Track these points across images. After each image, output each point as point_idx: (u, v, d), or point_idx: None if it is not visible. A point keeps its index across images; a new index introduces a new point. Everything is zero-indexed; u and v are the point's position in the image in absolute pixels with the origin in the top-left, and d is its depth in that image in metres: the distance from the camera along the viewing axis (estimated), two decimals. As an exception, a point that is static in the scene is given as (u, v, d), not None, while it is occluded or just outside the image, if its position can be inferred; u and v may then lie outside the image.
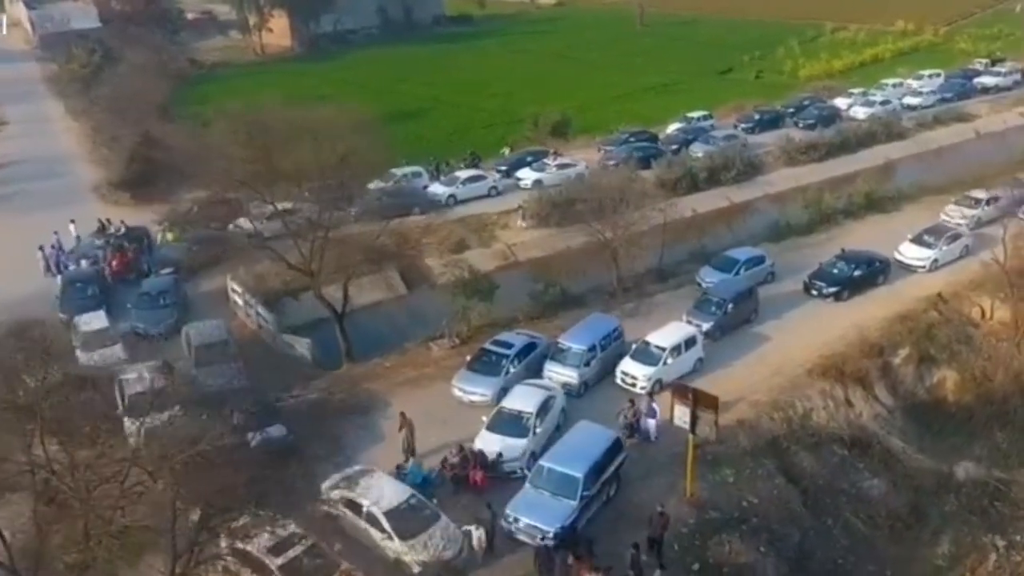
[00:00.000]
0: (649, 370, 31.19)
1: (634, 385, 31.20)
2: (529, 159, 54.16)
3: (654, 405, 28.28)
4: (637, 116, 68.82)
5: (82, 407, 25.88)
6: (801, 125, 61.53)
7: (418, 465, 26.65)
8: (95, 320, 33.50)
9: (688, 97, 78.17)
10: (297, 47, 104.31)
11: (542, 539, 23.27)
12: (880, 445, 30.78)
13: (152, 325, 34.97)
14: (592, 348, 31.73)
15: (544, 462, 25.08)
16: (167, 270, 39.77)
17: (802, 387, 32.07)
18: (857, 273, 38.71)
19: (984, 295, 38.40)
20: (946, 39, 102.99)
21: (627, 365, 31.65)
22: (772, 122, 62.05)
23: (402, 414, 28.13)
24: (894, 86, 69.39)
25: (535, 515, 23.72)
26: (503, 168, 53.50)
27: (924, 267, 40.61)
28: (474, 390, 30.29)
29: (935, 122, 63.50)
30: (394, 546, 22.90)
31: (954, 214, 45.31)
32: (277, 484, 23.49)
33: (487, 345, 32.05)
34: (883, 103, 64.40)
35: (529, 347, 32.26)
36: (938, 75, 72.41)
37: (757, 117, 62.01)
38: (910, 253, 41.01)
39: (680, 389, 25.49)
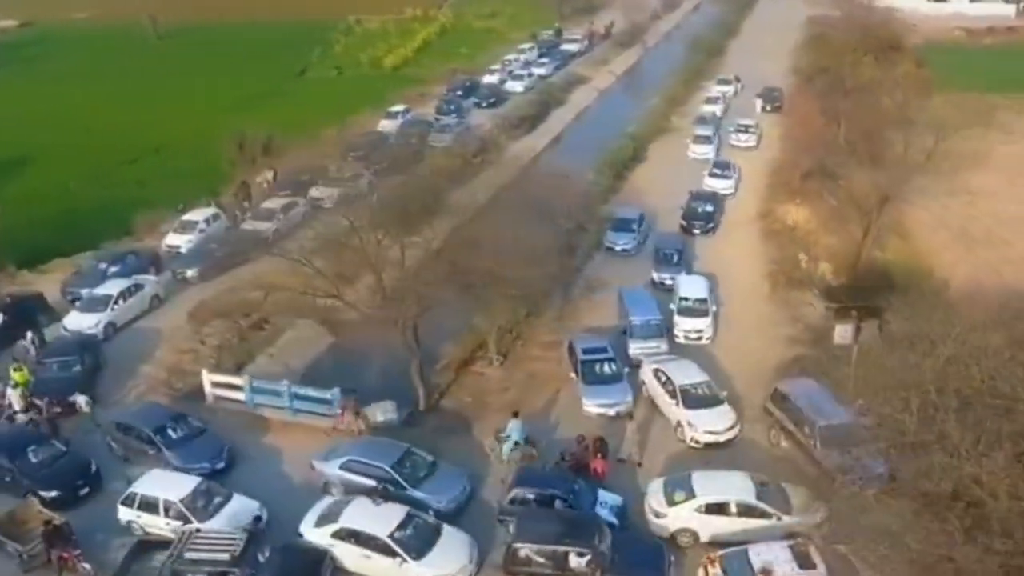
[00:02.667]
0: (706, 320, 34.25)
1: (699, 338, 33.93)
2: (304, 178, 50.43)
3: None
4: (285, 123, 65.41)
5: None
6: (484, 105, 66.32)
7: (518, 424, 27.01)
8: (172, 482, 24.61)
9: (302, 101, 77.92)
10: None
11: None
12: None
13: (202, 462, 26.74)
14: (661, 317, 33.58)
15: None
16: (83, 398, 29.95)
17: (783, 299, 37.95)
18: (714, 209, 45.59)
19: (783, 204, 48.15)
20: (457, 20, 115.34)
21: (685, 323, 34.09)
22: (458, 107, 65.63)
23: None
24: (514, 60, 77.73)
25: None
26: (286, 193, 48.94)
27: (732, 193, 49.16)
28: (615, 401, 29.31)
29: (568, 86, 73.50)
30: None
31: (698, 151, 54.79)
32: None
33: (586, 357, 30.76)
34: (529, 76, 72.23)
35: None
36: (532, 48, 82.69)
37: (451, 107, 64.90)
38: (717, 185, 49.20)
39: (842, 310, 29.41)
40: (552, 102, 67.84)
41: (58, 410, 28.62)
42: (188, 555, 21.37)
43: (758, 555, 21.10)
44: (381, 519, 22.67)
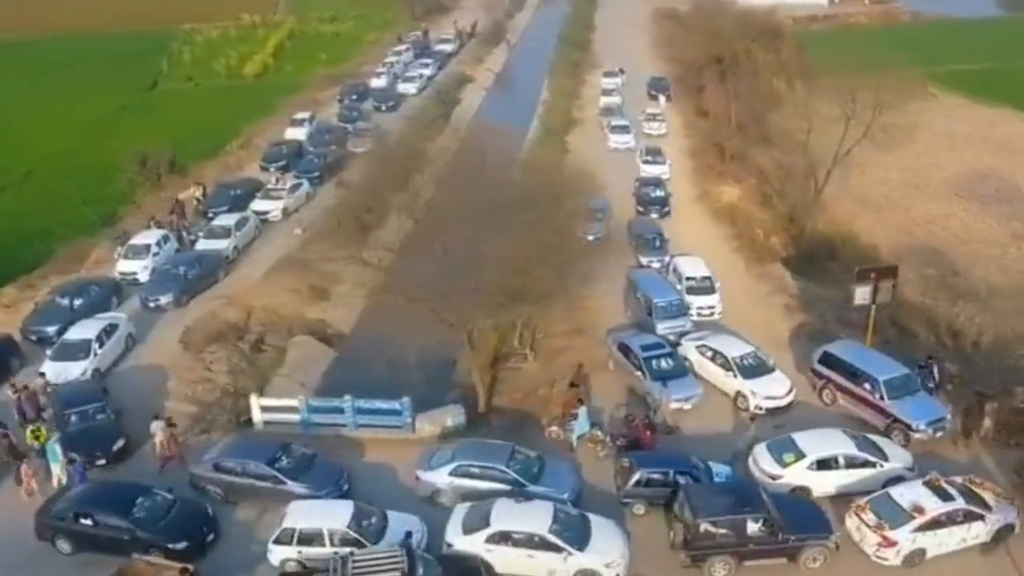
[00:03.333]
0: (715, 296, 35.93)
1: (711, 313, 35.55)
2: (237, 191, 47.99)
3: None
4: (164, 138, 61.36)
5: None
6: (384, 109, 65.53)
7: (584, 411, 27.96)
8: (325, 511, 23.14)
9: (166, 114, 73.94)
10: None
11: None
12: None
13: (330, 487, 25.20)
14: (680, 296, 34.91)
15: None
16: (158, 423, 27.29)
17: (759, 272, 40.37)
18: (665, 193, 47.58)
19: (716, 186, 50.91)
20: (303, 25, 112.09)
21: (697, 300, 35.54)
22: (361, 112, 64.34)
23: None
24: (396, 63, 77.00)
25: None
26: (223, 209, 46.38)
27: (668, 177, 51.26)
28: (689, 394, 29.41)
29: (457, 86, 73.79)
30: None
31: (619, 140, 56.73)
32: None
33: (648, 354, 30.40)
34: (419, 77, 71.91)
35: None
36: (408, 49, 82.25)
37: (354, 113, 63.49)
38: (654, 171, 51.21)
39: (862, 271, 31.76)
40: (449, 102, 67.85)
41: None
42: (358, 579, 20.30)
43: (902, 495, 22.75)
44: (533, 516, 22.43)
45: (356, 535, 22.17)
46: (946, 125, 66.72)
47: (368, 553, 21.17)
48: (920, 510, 22.26)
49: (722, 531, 21.85)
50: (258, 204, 46.28)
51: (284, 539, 22.26)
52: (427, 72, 74.71)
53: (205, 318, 36.77)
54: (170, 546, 21.95)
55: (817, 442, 25.49)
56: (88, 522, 22.56)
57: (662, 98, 65.91)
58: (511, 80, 78.26)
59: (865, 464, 25.02)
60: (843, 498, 24.41)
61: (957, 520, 22.35)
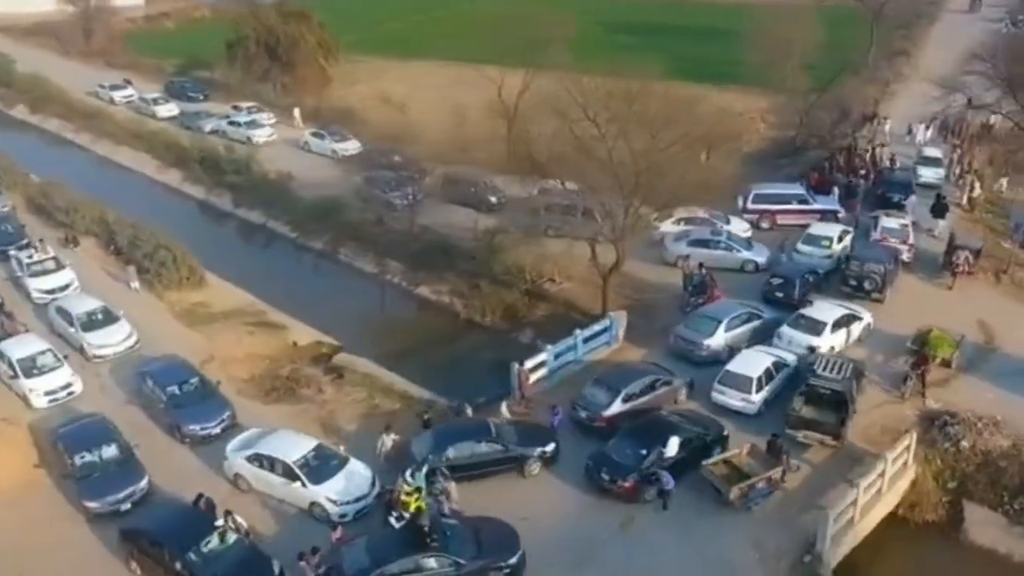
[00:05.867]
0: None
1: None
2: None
3: None
4: None
5: None
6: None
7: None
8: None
9: None
10: None
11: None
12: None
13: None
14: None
15: None
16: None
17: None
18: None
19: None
20: None
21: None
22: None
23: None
24: None
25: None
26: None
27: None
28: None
29: None
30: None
31: (261, 135, 55.74)
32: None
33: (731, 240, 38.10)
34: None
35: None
36: None
37: None
38: (347, 147, 53.27)
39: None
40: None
41: None
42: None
43: (889, 223, 37.88)
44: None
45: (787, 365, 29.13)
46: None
47: (822, 367, 27.51)
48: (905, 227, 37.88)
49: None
50: (43, 282, 35.77)
51: (758, 388, 27.66)
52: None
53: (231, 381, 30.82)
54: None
55: (826, 232, 37.95)
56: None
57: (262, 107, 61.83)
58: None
59: (844, 234, 38.07)
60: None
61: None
